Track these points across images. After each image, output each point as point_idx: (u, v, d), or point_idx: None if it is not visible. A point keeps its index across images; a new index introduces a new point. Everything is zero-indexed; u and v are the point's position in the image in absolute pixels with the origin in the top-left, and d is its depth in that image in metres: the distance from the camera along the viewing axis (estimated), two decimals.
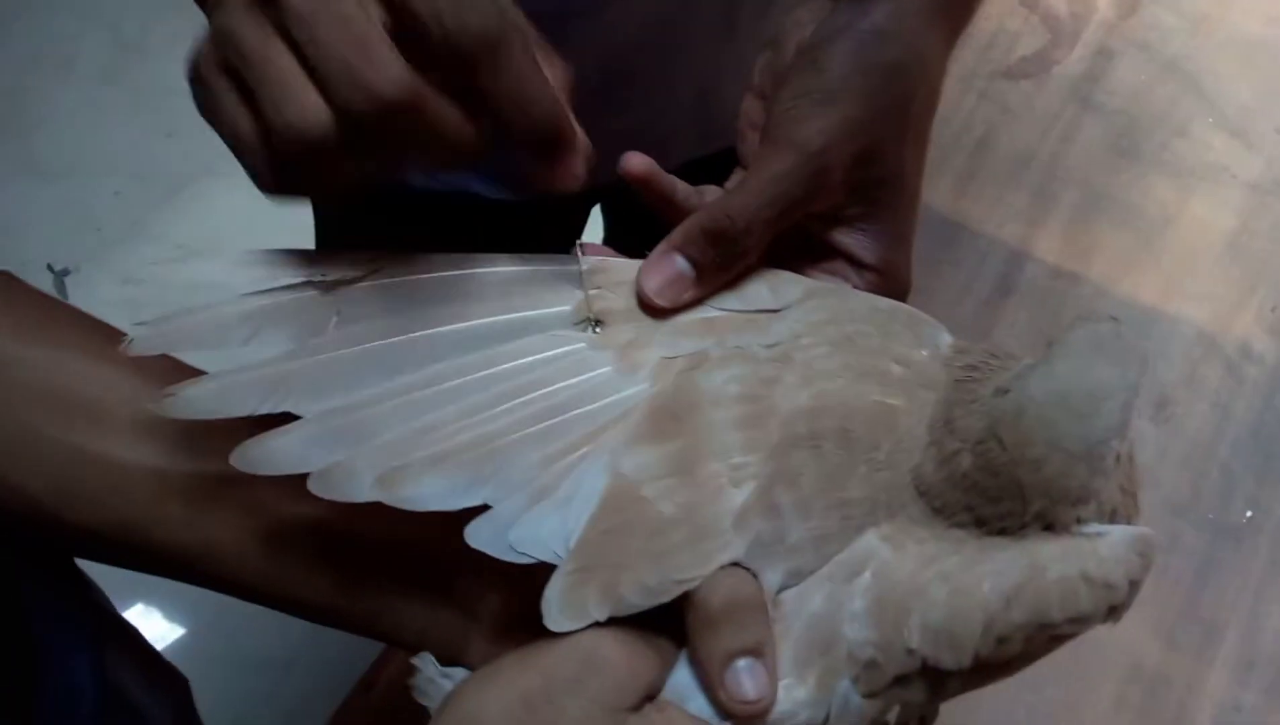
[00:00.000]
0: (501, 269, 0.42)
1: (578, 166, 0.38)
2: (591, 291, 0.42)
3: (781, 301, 0.43)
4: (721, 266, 0.42)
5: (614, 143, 0.44)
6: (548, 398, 0.40)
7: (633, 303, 0.42)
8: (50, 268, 1.72)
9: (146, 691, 0.50)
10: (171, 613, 1.48)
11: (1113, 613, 0.37)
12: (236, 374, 0.39)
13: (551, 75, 0.37)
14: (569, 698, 0.35)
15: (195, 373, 0.43)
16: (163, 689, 0.52)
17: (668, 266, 0.42)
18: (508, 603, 0.41)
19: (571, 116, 0.37)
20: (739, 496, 0.38)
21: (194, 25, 0.37)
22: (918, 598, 0.36)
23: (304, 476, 0.39)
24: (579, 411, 0.40)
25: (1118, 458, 0.38)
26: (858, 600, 0.37)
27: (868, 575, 0.37)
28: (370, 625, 0.42)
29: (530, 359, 0.41)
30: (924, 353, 0.41)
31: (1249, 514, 0.73)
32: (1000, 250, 0.81)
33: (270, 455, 0.38)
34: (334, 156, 0.34)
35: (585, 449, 0.39)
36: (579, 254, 0.43)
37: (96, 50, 1.90)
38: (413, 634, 0.42)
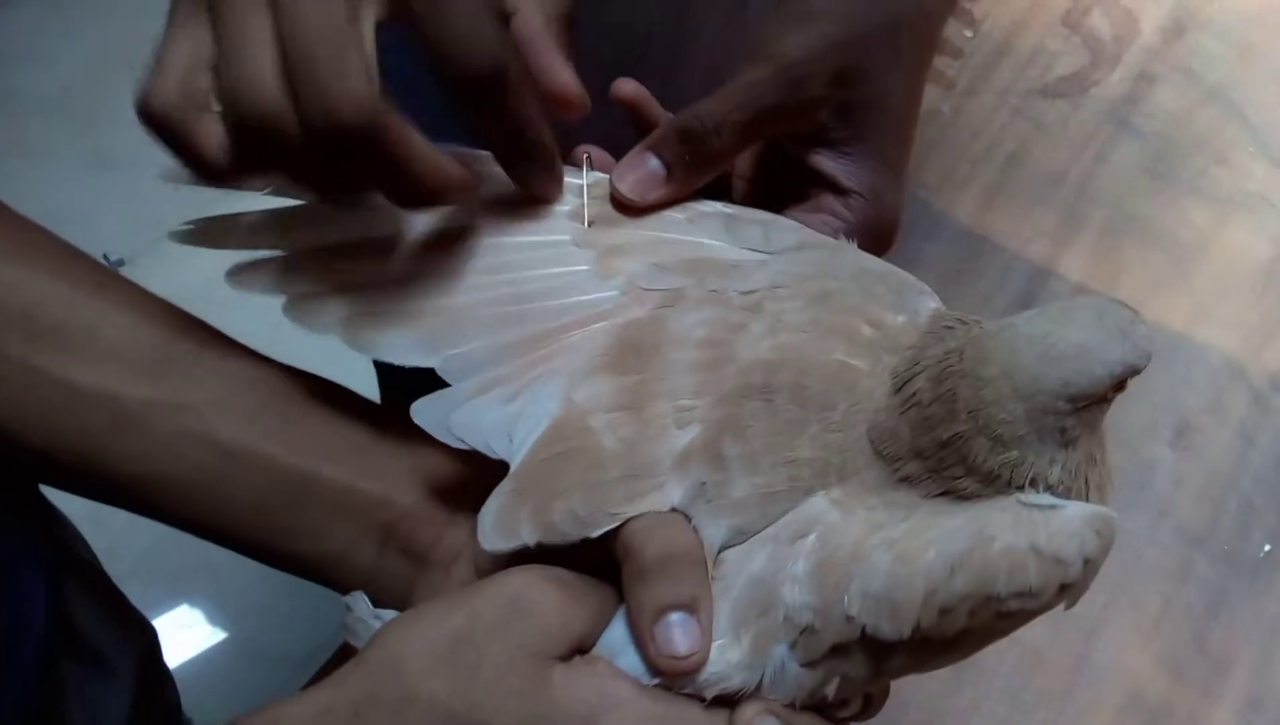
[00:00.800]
0: None
1: (557, 188, 0.42)
2: (590, 198, 0.43)
3: (774, 247, 0.43)
4: (691, 166, 0.43)
5: (623, 125, 0.46)
6: (521, 283, 0.41)
7: (621, 215, 0.43)
8: (106, 257, 1.76)
9: (107, 634, 0.50)
10: (217, 614, 1.50)
11: (1065, 592, 0.35)
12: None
13: (558, 66, 0.40)
14: (493, 640, 0.34)
15: (163, 306, 0.44)
16: (126, 636, 0.52)
17: (639, 164, 0.43)
18: (459, 550, 0.41)
19: (551, 142, 0.40)
20: (682, 438, 0.38)
21: None
22: (860, 563, 0.35)
23: (263, 413, 0.40)
24: (546, 303, 0.41)
25: (1075, 438, 0.36)
26: (800, 563, 0.36)
27: (813, 538, 0.36)
28: (319, 569, 0.42)
29: (516, 240, 0.42)
30: (900, 318, 0.40)
31: (1267, 548, 0.70)
32: (1024, 266, 0.79)
33: (257, 276, 0.42)
34: (282, 144, 0.34)
35: (545, 350, 0.40)
36: (584, 162, 0.44)
37: None
38: (361, 578, 0.41)
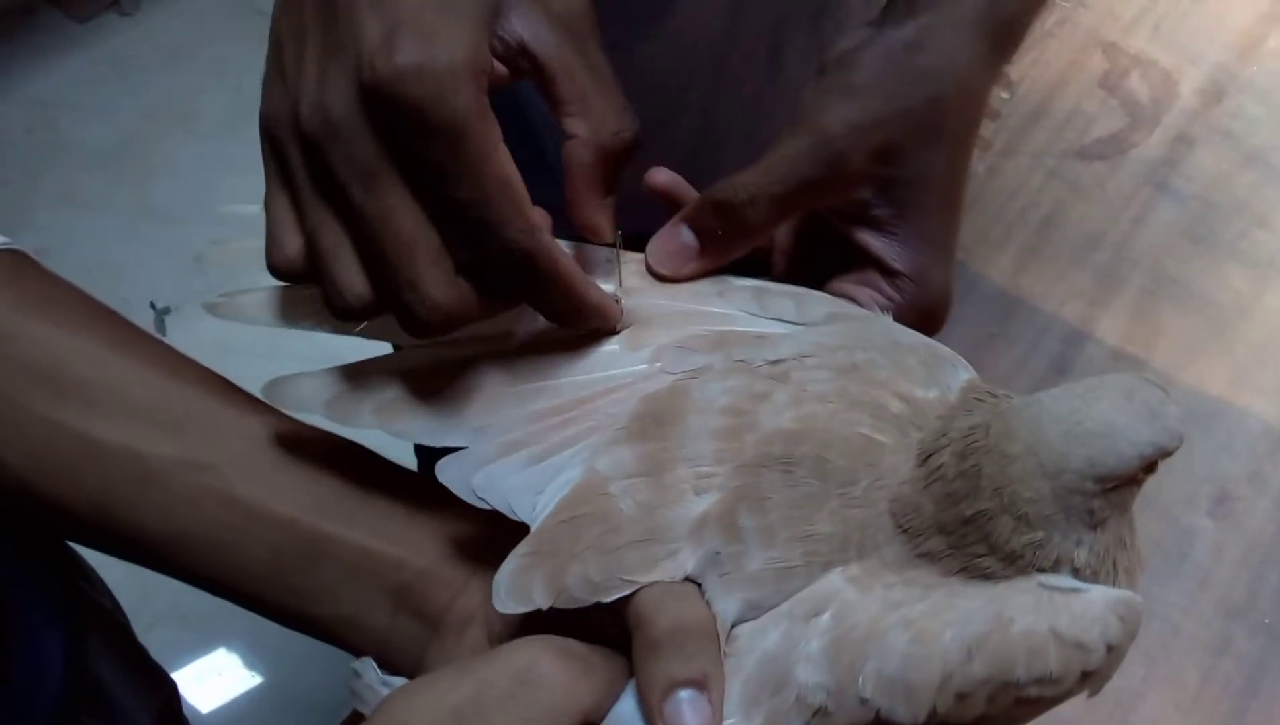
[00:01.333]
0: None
1: (611, 325, 0.42)
2: (622, 269, 0.44)
3: (804, 317, 0.42)
4: (725, 239, 0.43)
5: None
6: (549, 358, 0.42)
7: (654, 287, 0.43)
8: (153, 306, 1.79)
9: (127, 689, 0.50)
10: (252, 659, 1.50)
11: (1087, 679, 0.34)
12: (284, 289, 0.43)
13: (589, 205, 0.41)
14: (499, 712, 0.34)
15: (188, 363, 0.44)
16: (146, 690, 0.53)
17: (673, 237, 0.43)
18: (472, 615, 0.41)
19: (597, 296, 0.41)
20: (698, 505, 0.37)
21: None
22: (876, 643, 0.34)
23: (283, 472, 0.40)
24: (574, 378, 0.41)
25: (1104, 520, 0.35)
26: (815, 641, 0.35)
27: (828, 616, 0.35)
28: (334, 630, 0.42)
29: (544, 323, 0.42)
30: (931, 393, 0.39)
31: None
32: (1059, 329, 0.78)
33: (296, 391, 0.42)
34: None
35: (570, 414, 0.40)
36: (618, 238, 0.44)
37: (218, 105, 1.99)
38: (375, 641, 0.41)
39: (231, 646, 1.50)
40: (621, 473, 0.38)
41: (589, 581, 0.36)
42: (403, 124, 0.35)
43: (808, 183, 0.42)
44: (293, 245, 0.38)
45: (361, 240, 0.37)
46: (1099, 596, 0.35)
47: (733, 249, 0.43)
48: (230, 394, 0.43)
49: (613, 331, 0.42)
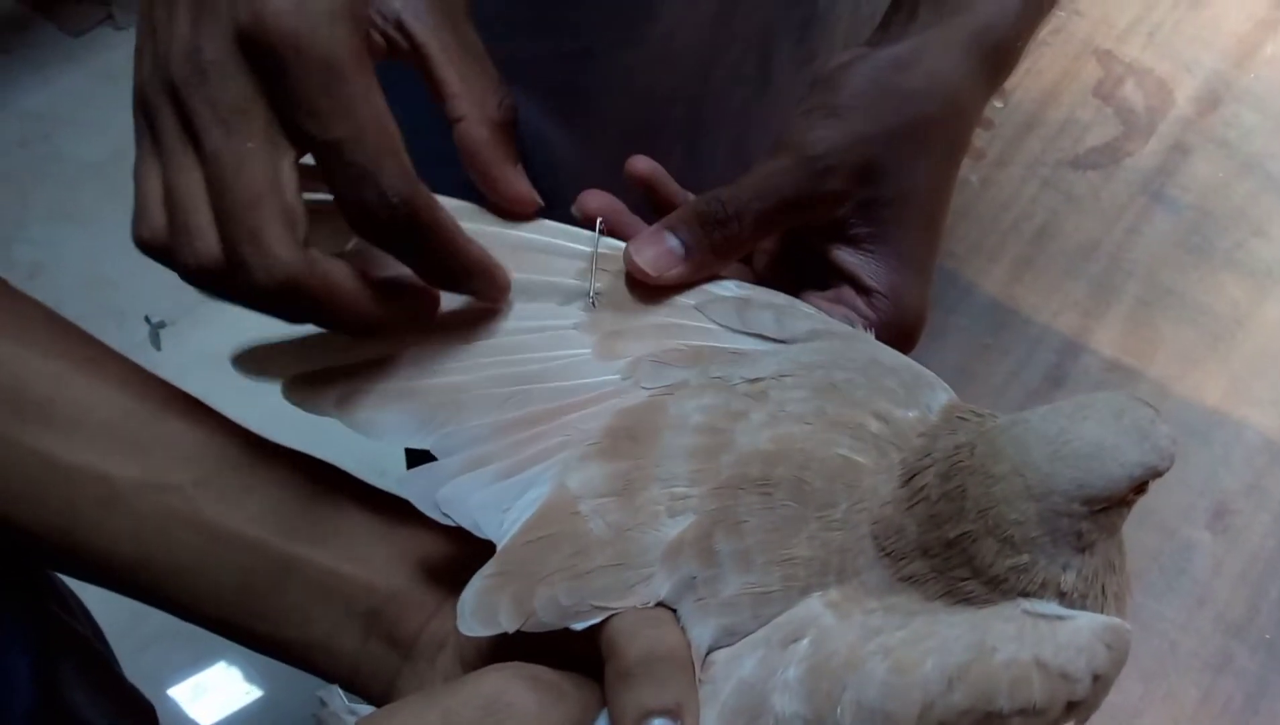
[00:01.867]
0: (520, 232, 0.43)
1: (501, 296, 0.41)
2: (597, 271, 0.43)
3: (784, 333, 0.41)
4: (710, 250, 0.42)
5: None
6: (521, 364, 0.41)
7: (626, 293, 0.42)
8: (147, 320, 1.78)
9: (103, 717, 0.49)
10: (249, 674, 1.49)
11: (1073, 710, 0.33)
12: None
13: (508, 174, 0.40)
14: None
15: (155, 382, 0.43)
16: (124, 717, 0.51)
17: (658, 241, 0.42)
18: (444, 639, 0.40)
19: (481, 256, 0.39)
20: (673, 528, 0.36)
21: None
22: (855, 671, 0.33)
23: (252, 494, 0.39)
24: (545, 386, 0.40)
25: (1092, 543, 0.34)
26: (792, 669, 0.34)
27: (806, 643, 0.34)
28: (303, 655, 0.41)
29: (516, 323, 0.41)
30: (911, 413, 0.38)
31: None
32: (1054, 339, 0.77)
33: (258, 356, 0.41)
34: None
35: (540, 428, 0.39)
36: (598, 233, 0.43)
37: None
38: (345, 666, 0.40)
39: (229, 662, 1.48)
40: (592, 491, 0.37)
41: (558, 605, 0.35)
42: (278, 62, 0.34)
43: (788, 201, 0.42)
44: (160, 219, 0.36)
45: (213, 188, 0.35)
46: (1085, 624, 0.33)
47: (717, 259, 0.43)
48: (198, 414, 0.42)
49: (498, 301, 0.41)
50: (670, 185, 0.46)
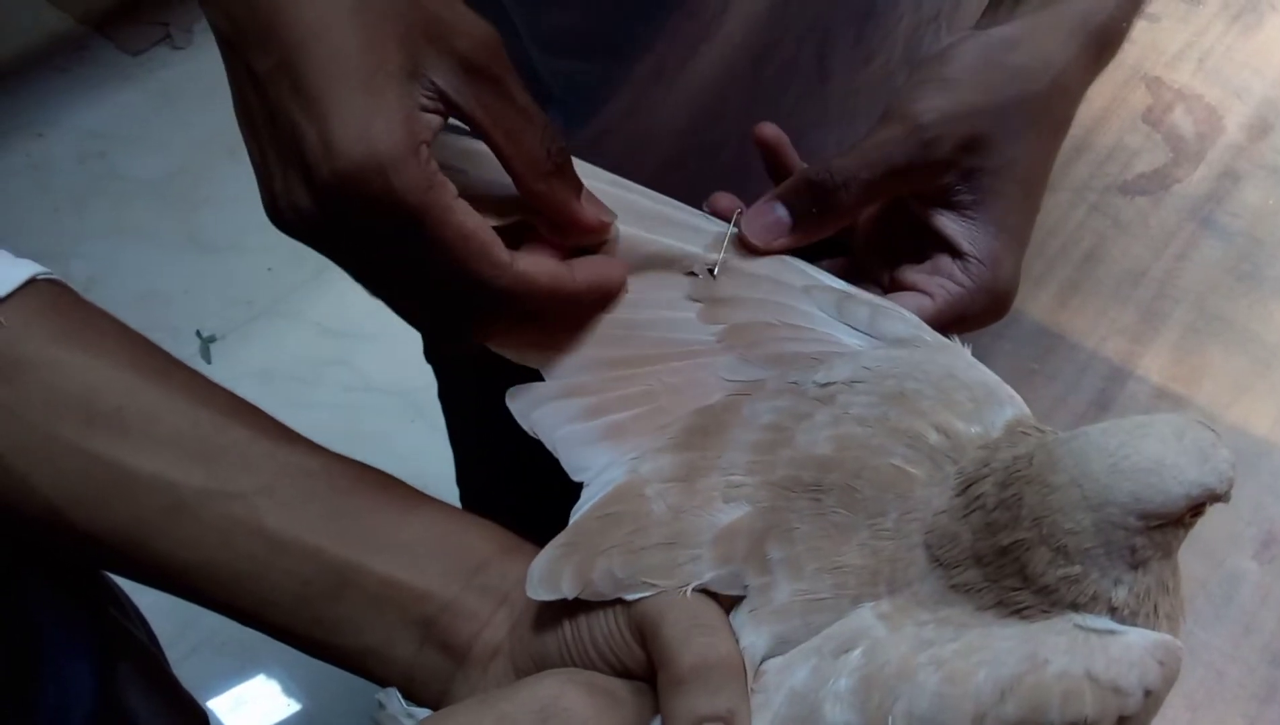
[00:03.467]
0: (659, 206, 0.48)
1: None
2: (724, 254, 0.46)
3: (876, 331, 0.43)
4: (817, 218, 0.45)
5: (703, 182, 0.49)
6: (634, 310, 0.45)
7: (746, 265, 0.45)
8: (199, 334, 1.81)
9: (158, 719, 0.50)
10: (289, 687, 1.51)
11: (1123, 724, 0.33)
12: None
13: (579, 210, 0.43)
14: None
15: (221, 393, 0.44)
16: (178, 721, 0.53)
17: (767, 211, 0.45)
18: (497, 647, 0.40)
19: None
20: (725, 514, 0.38)
21: None
22: (907, 682, 0.34)
23: (312, 503, 0.41)
24: (648, 334, 0.44)
25: (1146, 560, 0.34)
26: (844, 679, 0.35)
27: (858, 653, 0.35)
28: (359, 662, 0.42)
29: (643, 281, 0.45)
30: (974, 428, 0.39)
31: None
32: (1101, 366, 0.77)
33: None
34: None
35: (632, 371, 0.43)
36: (735, 220, 0.47)
37: None
38: (400, 673, 0.41)
39: (269, 674, 1.50)
40: (659, 476, 0.40)
41: (613, 577, 0.37)
42: (361, 217, 0.37)
43: (897, 169, 0.44)
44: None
45: (420, 292, 0.42)
46: (1137, 639, 0.34)
47: (823, 227, 0.45)
48: (262, 424, 0.43)
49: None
50: (791, 154, 0.48)
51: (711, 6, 0.59)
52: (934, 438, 0.38)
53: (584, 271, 0.43)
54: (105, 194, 1.99)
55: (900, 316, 0.43)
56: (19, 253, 0.44)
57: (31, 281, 0.44)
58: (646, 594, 0.36)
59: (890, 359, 0.41)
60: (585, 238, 0.44)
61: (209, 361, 1.79)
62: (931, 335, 0.43)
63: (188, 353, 1.75)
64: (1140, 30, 0.94)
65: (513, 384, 0.44)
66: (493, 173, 0.42)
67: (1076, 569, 0.34)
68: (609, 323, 0.45)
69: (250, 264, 1.90)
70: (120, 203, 1.98)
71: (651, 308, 0.45)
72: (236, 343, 1.81)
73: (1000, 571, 0.35)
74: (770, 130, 0.49)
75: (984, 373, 0.41)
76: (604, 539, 0.38)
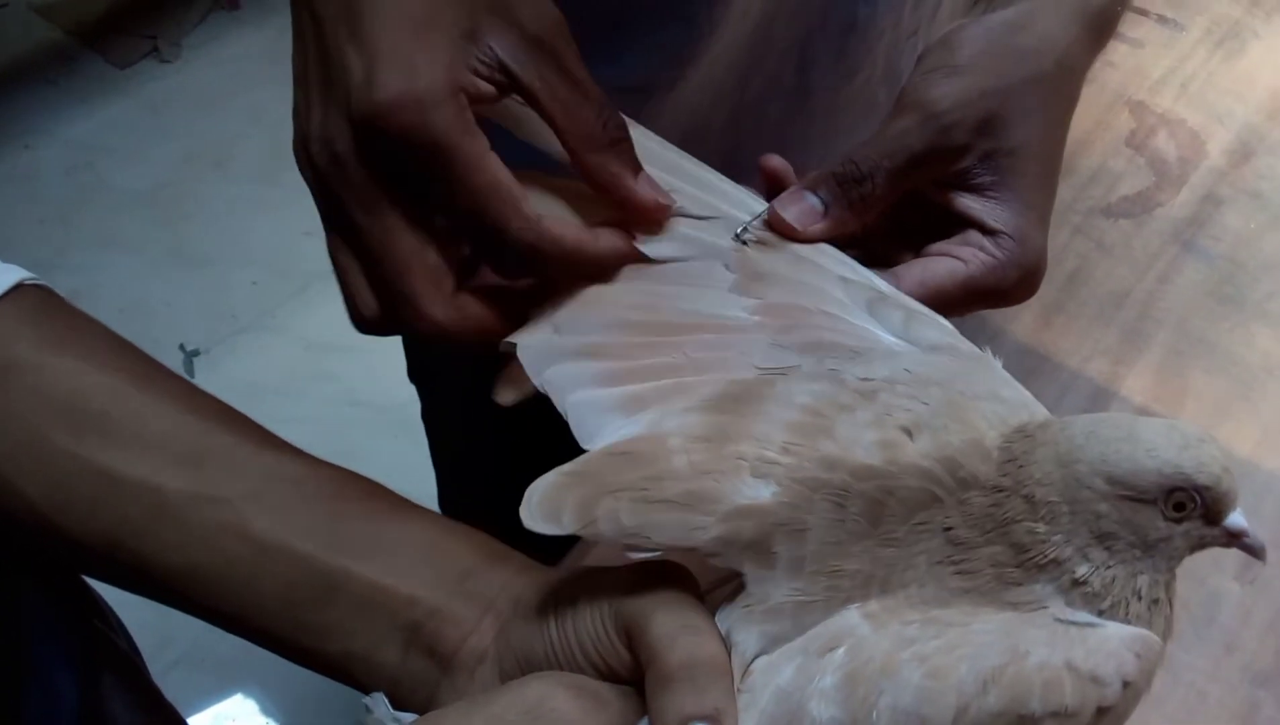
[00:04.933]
0: (707, 174, 0.48)
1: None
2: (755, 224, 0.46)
3: (909, 336, 0.43)
4: (847, 207, 0.46)
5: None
6: (664, 279, 0.44)
7: (786, 249, 0.46)
8: (182, 347, 1.81)
9: None
10: (268, 705, 1.50)
11: (1103, 715, 0.34)
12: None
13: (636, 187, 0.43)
14: None
15: (207, 399, 0.44)
16: None
17: (800, 198, 0.46)
18: (484, 653, 0.40)
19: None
20: (750, 490, 0.36)
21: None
22: (890, 678, 0.34)
23: (299, 508, 0.41)
24: (677, 304, 0.43)
25: (1111, 537, 0.35)
26: (829, 676, 0.35)
27: (842, 651, 0.35)
28: (345, 668, 0.42)
29: (677, 245, 0.45)
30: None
31: None
32: (1084, 386, 0.78)
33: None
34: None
35: (656, 339, 0.42)
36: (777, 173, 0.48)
37: (252, 151, 2.02)
38: (386, 679, 0.41)
39: (247, 692, 1.49)
40: (686, 433, 0.38)
41: (618, 522, 0.35)
42: (395, 151, 0.38)
43: (917, 156, 0.45)
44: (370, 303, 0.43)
45: (366, 262, 0.41)
46: (1114, 632, 0.35)
47: (853, 217, 0.46)
48: (247, 430, 0.43)
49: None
50: (794, 181, 0.49)
51: (700, 27, 0.60)
52: (978, 468, 0.37)
53: (608, 239, 0.43)
54: (92, 206, 1.99)
55: (935, 322, 0.44)
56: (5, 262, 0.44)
57: (18, 287, 0.44)
58: (647, 555, 0.36)
59: (933, 365, 0.41)
60: (641, 217, 0.44)
61: (192, 375, 1.78)
62: (965, 344, 0.43)
63: (171, 366, 1.74)
64: (1124, 55, 0.95)
65: (499, 410, 0.44)
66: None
67: (1041, 527, 0.35)
68: (636, 281, 0.44)
69: (235, 278, 1.90)
70: (106, 215, 1.98)
71: (684, 274, 0.44)
72: (220, 356, 1.80)
73: (984, 524, 0.36)
74: (776, 162, 0.49)
75: (1018, 390, 0.41)
76: (615, 477, 0.36)
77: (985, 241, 0.46)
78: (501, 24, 0.40)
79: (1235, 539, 0.37)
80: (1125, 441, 0.35)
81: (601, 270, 0.43)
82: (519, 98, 0.42)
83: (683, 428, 0.38)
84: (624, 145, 0.43)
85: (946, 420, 0.38)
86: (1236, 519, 0.37)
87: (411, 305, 0.41)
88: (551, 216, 0.42)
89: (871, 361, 0.41)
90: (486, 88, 0.40)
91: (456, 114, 0.39)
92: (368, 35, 0.38)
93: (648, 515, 0.36)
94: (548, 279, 0.43)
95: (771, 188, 0.49)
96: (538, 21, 0.41)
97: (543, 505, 0.36)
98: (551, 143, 0.43)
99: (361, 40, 0.38)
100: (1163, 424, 0.36)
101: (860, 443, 0.37)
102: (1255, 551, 0.38)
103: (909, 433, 0.38)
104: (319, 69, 0.40)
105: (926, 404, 0.38)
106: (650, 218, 0.44)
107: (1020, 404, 0.40)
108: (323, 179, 0.41)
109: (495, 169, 0.40)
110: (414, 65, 0.38)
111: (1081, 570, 0.35)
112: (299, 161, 0.42)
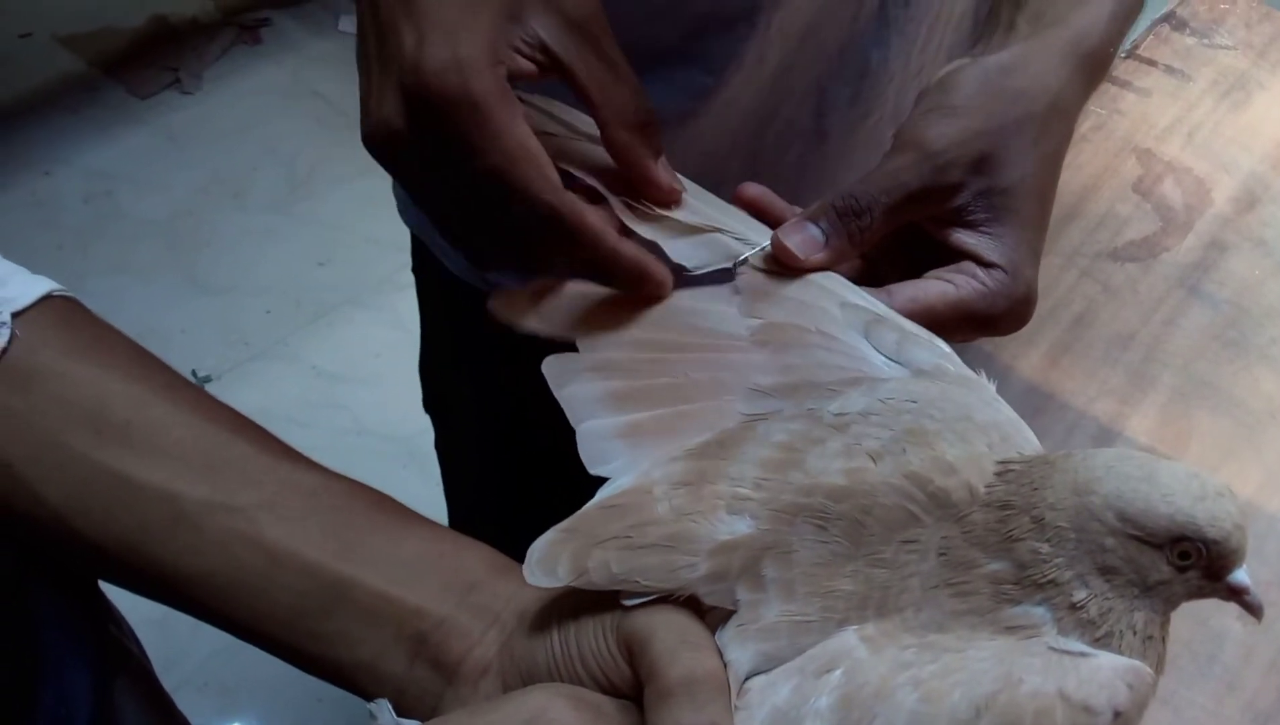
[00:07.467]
0: (722, 203, 0.50)
1: (660, 289, 0.46)
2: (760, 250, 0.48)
3: (903, 358, 0.44)
4: (846, 239, 0.47)
5: None
6: (679, 297, 0.46)
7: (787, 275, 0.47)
8: (194, 373, 1.82)
9: None
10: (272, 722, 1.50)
11: None
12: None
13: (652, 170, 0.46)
14: None
15: (226, 410, 0.45)
16: None
17: (801, 229, 0.47)
18: (487, 666, 0.41)
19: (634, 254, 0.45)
20: (727, 525, 0.38)
21: (357, 169, 0.44)
22: (884, 701, 0.35)
23: (312, 518, 0.41)
24: (685, 321, 0.46)
25: (1114, 571, 0.36)
26: (825, 697, 0.35)
27: (839, 673, 0.36)
28: (352, 676, 0.42)
29: (691, 263, 0.46)
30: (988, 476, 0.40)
31: None
32: (1090, 425, 0.78)
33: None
34: None
35: (662, 355, 0.44)
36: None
37: (269, 182, 2.05)
38: (391, 689, 0.42)
39: (249, 718, 1.49)
40: (669, 480, 0.40)
41: (609, 571, 0.37)
42: (436, 115, 0.41)
43: (913, 193, 0.47)
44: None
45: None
46: (1107, 662, 0.35)
47: (852, 249, 0.47)
48: (264, 441, 0.44)
49: (655, 296, 0.46)
50: (778, 204, 0.50)
51: (714, 71, 0.61)
52: (945, 482, 0.39)
53: (629, 246, 0.45)
54: (109, 233, 2.01)
55: (928, 344, 0.44)
56: None
57: (47, 297, 0.45)
58: (638, 596, 0.37)
59: (907, 391, 0.42)
60: (657, 197, 0.46)
61: None
62: (956, 365, 0.44)
63: None
64: (1132, 104, 0.96)
65: (513, 444, 0.45)
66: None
67: (1046, 548, 0.36)
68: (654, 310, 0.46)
69: (249, 306, 1.92)
70: (124, 242, 2.00)
71: (694, 294, 0.46)
72: (232, 383, 1.82)
73: (986, 539, 0.37)
74: (753, 189, 0.50)
75: (1002, 411, 0.42)
76: (604, 529, 0.38)
77: (979, 271, 0.47)
78: (545, 7, 0.43)
79: (1236, 595, 0.38)
80: (1144, 482, 0.35)
81: (606, 266, 0.44)
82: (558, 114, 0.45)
83: (667, 476, 0.40)
84: (651, 128, 0.45)
85: (905, 444, 0.40)
86: (1240, 576, 0.38)
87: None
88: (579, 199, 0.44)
89: (848, 398, 0.42)
90: (527, 65, 0.43)
91: (495, 82, 0.41)
92: (420, 10, 0.41)
93: (634, 561, 0.37)
94: (554, 260, 0.45)
95: (754, 215, 0.51)
96: (579, 8, 0.43)
97: (542, 563, 0.38)
98: (588, 174, 0.46)
99: (414, 14, 0.41)
100: (1185, 472, 0.36)
101: (828, 472, 0.39)
102: (1254, 609, 0.38)
103: (873, 458, 0.39)
104: (379, 48, 0.43)
105: (892, 431, 0.40)
106: (663, 199, 0.46)
107: (992, 424, 0.41)
108: (390, 158, 0.43)
109: (525, 134, 0.42)
110: (458, 37, 0.41)
111: (1080, 595, 0.36)
112: (371, 148, 0.44)
